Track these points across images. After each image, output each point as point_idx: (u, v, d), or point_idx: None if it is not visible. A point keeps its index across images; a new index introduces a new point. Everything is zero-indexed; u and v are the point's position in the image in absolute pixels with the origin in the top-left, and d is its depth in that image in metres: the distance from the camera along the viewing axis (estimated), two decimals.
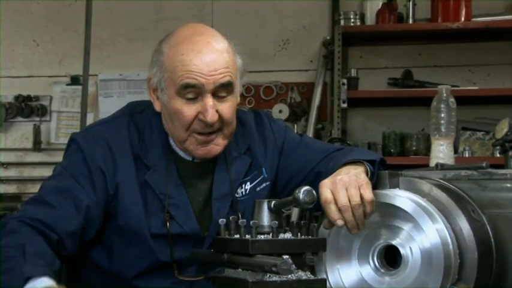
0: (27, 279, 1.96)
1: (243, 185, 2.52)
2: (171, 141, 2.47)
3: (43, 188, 2.36)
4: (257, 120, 2.62)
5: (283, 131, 2.66)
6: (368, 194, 2.18)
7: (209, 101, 2.33)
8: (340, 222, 2.16)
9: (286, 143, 2.63)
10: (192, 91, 2.33)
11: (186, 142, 2.40)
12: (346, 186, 2.18)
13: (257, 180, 2.54)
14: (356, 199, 2.16)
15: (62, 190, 2.32)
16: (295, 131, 3.09)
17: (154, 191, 2.41)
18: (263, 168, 2.55)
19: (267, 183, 2.56)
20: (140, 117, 2.49)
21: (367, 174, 2.30)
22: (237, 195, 2.49)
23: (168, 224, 2.39)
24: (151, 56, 2.46)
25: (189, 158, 2.47)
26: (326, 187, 2.20)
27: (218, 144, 2.41)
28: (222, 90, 2.35)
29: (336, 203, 2.16)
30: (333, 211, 2.16)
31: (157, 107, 2.45)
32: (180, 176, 2.45)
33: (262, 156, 2.57)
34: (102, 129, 2.45)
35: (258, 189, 2.52)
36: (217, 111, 2.34)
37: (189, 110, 2.35)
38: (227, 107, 2.38)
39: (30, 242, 2.11)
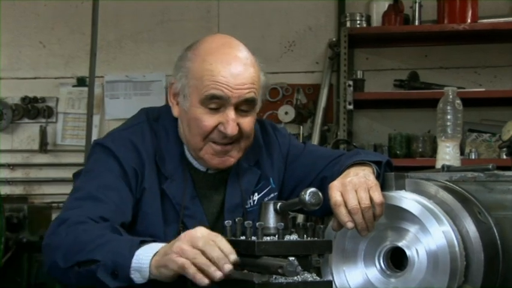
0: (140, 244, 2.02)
1: (251, 196, 2.54)
2: (186, 151, 2.48)
3: (84, 188, 2.33)
4: (262, 130, 2.63)
5: (288, 140, 2.67)
6: (378, 196, 2.17)
7: (231, 113, 2.34)
8: (350, 225, 2.16)
9: (291, 151, 2.64)
10: (216, 102, 2.34)
11: (201, 150, 2.40)
12: (355, 188, 2.18)
13: (265, 191, 2.56)
14: (366, 201, 2.15)
15: (109, 187, 2.32)
16: (301, 133, 3.10)
17: (171, 200, 2.42)
18: (270, 179, 2.56)
19: (275, 193, 2.58)
20: (157, 125, 2.49)
21: (374, 174, 2.30)
22: (246, 206, 2.51)
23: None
24: (176, 61, 2.46)
25: (203, 169, 2.48)
26: (336, 189, 2.20)
27: (233, 156, 2.43)
28: (244, 105, 2.37)
29: (345, 205, 2.16)
30: (343, 213, 2.16)
31: (175, 112, 2.46)
32: (195, 187, 2.46)
33: (269, 167, 2.59)
34: (128, 134, 2.44)
35: (266, 199, 2.52)
36: (237, 124, 2.35)
37: (209, 120, 2.35)
38: (247, 122, 2.39)
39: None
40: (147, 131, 2.46)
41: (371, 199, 2.16)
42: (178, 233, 2.37)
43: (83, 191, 2.31)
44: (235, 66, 2.34)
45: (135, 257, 2.01)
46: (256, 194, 2.54)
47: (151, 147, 2.43)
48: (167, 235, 2.37)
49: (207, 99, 2.33)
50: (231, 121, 2.34)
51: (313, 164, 2.59)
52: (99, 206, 2.25)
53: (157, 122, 2.50)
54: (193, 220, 2.41)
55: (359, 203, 2.15)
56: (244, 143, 2.43)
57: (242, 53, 2.38)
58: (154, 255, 2.01)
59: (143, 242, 2.05)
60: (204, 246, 1.94)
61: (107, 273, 2.03)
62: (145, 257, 2.01)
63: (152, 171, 2.41)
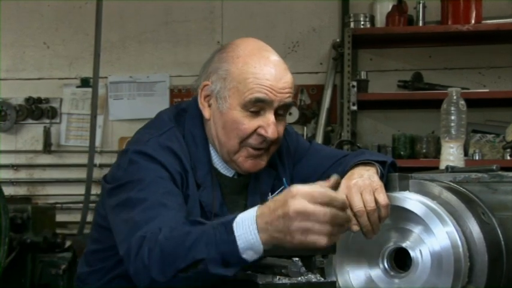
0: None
1: (266, 196, 2.52)
2: (213, 156, 2.45)
3: (147, 198, 2.17)
4: None
5: (295, 138, 2.67)
6: (383, 198, 2.16)
7: (272, 117, 2.34)
8: (355, 228, 2.15)
9: (298, 150, 2.65)
10: (259, 105, 2.33)
11: (236, 154, 2.39)
12: (361, 191, 2.18)
13: (278, 191, 2.54)
14: (371, 204, 2.15)
15: (171, 193, 2.23)
16: (305, 134, 3.09)
17: (204, 208, 2.38)
18: (284, 179, 2.54)
19: None
20: (183, 130, 2.44)
21: (377, 174, 2.30)
22: None
23: None
24: (205, 63, 2.44)
25: (228, 174, 2.47)
26: (341, 192, 2.19)
27: (264, 160, 2.43)
28: (283, 109, 2.37)
29: (351, 208, 2.14)
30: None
31: (207, 114, 2.43)
32: (222, 193, 2.45)
33: (281, 167, 2.59)
34: (165, 140, 2.36)
35: None
36: None
37: (249, 123, 2.34)
38: (282, 127, 2.41)
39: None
40: (180, 136, 2.41)
41: (376, 201, 2.16)
42: None
43: (148, 201, 2.17)
44: (278, 70, 2.34)
45: (237, 237, 1.87)
46: (270, 194, 2.53)
47: (187, 154, 2.39)
48: None
49: (251, 103, 2.32)
50: (272, 124, 2.33)
51: (319, 164, 2.59)
52: (173, 214, 2.13)
53: (182, 127, 2.45)
54: None
55: (364, 206, 2.15)
56: (273, 148, 2.43)
57: (278, 57, 2.40)
58: (257, 229, 1.86)
59: (231, 221, 1.90)
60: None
61: (218, 266, 1.89)
62: (249, 232, 1.87)
63: (191, 177, 2.37)
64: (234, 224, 1.89)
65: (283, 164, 2.59)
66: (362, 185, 2.19)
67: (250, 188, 2.50)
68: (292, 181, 2.60)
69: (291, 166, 2.62)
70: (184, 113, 2.49)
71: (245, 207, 2.43)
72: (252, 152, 2.38)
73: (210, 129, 2.44)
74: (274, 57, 2.38)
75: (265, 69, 2.32)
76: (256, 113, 2.34)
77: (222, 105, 2.37)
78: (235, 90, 2.34)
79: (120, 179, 2.30)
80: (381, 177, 2.30)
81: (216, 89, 2.38)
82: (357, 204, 2.15)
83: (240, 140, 2.36)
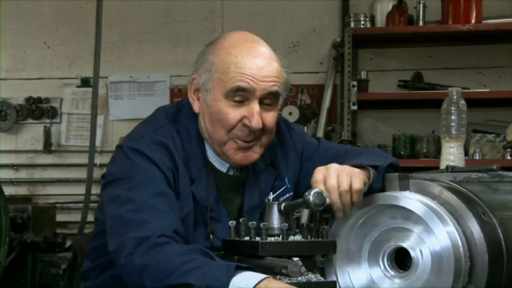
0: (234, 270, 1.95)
1: (265, 196, 2.51)
2: (208, 151, 2.46)
3: (135, 198, 2.23)
4: (276, 129, 2.58)
5: (302, 137, 2.66)
6: (357, 183, 2.21)
7: (256, 106, 2.34)
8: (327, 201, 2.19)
9: (305, 149, 2.63)
10: (241, 95, 2.33)
11: (225, 145, 2.39)
12: (338, 173, 2.22)
13: (280, 191, 2.54)
14: (345, 185, 2.20)
15: (162, 194, 2.26)
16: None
17: (199, 203, 2.39)
18: (286, 179, 2.55)
19: (290, 193, 2.56)
20: (177, 126, 2.46)
21: (369, 179, 2.30)
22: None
23: (211, 237, 2.37)
24: (197, 58, 2.46)
25: (224, 169, 2.47)
26: (319, 171, 2.25)
27: (256, 152, 2.42)
28: (268, 98, 2.36)
29: (324, 183, 2.20)
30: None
31: (196, 108, 2.44)
32: (217, 189, 2.44)
33: (284, 167, 2.58)
34: (159, 137, 2.38)
35: (281, 199, 2.50)
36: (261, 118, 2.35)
37: (234, 113, 2.34)
38: (270, 116, 2.39)
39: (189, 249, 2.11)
40: (174, 132, 2.43)
41: (351, 186, 2.20)
42: (208, 236, 2.35)
43: (137, 202, 2.22)
44: (260, 59, 2.34)
45: (232, 284, 1.92)
46: (271, 193, 2.52)
47: (181, 149, 2.40)
48: (194, 238, 2.34)
49: (232, 92, 2.32)
50: (256, 114, 2.33)
51: (329, 162, 2.57)
52: (166, 218, 2.19)
53: (178, 123, 2.46)
54: (218, 223, 2.40)
55: (339, 186, 2.19)
56: (266, 139, 2.41)
57: (266, 48, 2.40)
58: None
59: (238, 268, 1.97)
60: None
61: None
62: (248, 283, 1.91)
63: (184, 173, 2.38)
64: (239, 272, 1.94)
65: (287, 163, 2.58)
66: (339, 168, 2.24)
67: (248, 186, 2.49)
68: (299, 180, 2.59)
69: (297, 166, 2.61)
70: (183, 109, 2.50)
71: (241, 205, 2.44)
72: (241, 144, 2.38)
73: (200, 122, 2.45)
74: (260, 47, 2.38)
75: (247, 58, 2.33)
76: (241, 103, 2.34)
77: (208, 96, 2.39)
78: (218, 81, 2.36)
79: (112, 175, 2.36)
80: (374, 181, 2.30)
81: (202, 82, 2.40)
82: (331, 181, 2.20)
83: (227, 131, 2.36)
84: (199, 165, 2.42)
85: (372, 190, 2.30)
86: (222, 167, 2.47)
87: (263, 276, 1.92)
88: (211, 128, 2.40)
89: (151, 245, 2.10)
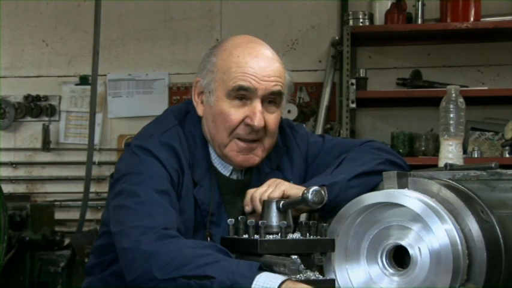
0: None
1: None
2: (212, 155, 2.47)
3: (141, 192, 2.25)
4: (281, 132, 2.60)
5: (306, 139, 2.66)
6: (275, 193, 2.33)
7: (258, 105, 2.35)
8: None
9: (310, 150, 2.64)
10: (243, 94, 2.34)
11: (226, 147, 2.40)
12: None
13: None
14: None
15: (165, 192, 2.28)
16: None
17: (200, 207, 2.40)
18: (291, 182, 2.54)
19: None
20: (184, 129, 2.47)
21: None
22: None
23: (209, 240, 2.38)
24: (201, 61, 2.46)
25: (227, 173, 2.48)
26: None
27: (257, 155, 2.43)
28: (271, 98, 2.37)
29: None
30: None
31: (200, 111, 2.46)
32: (220, 193, 2.45)
33: (289, 170, 2.58)
34: (167, 138, 2.40)
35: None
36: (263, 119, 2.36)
37: (236, 113, 2.36)
38: (273, 118, 2.40)
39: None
40: (182, 135, 2.44)
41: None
42: (206, 239, 2.36)
43: (142, 196, 2.24)
44: (262, 59, 2.36)
45: (256, 280, 1.94)
46: None
47: (187, 153, 2.41)
48: None
49: (234, 91, 2.34)
50: (258, 113, 2.34)
51: (332, 161, 2.58)
52: (168, 215, 2.21)
53: (184, 127, 2.47)
54: (218, 227, 2.40)
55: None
56: (268, 142, 2.43)
57: (268, 49, 2.41)
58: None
59: (259, 266, 1.99)
60: None
61: None
62: (272, 283, 1.93)
63: (188, 176, 2.39)
64: (263, 272, 1.96)
65: (292, 167, 2.59)
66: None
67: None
68: (306, 181, 2.58)
69: (302, 167, 2.62)
70: (186, 112, 2.51)
71: (243, 208, 2.43)
72: (241, 144, 2.39)
73: (203, 125, 2.46)
74: (262, 48, 2.40)
75: (248, 58, 2.35)
76: (243, 103, 2.36)
77: (211, 98, 2.40)
78: (221, 81, 2.37)
79: (119, 171, 2.37)
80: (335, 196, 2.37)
81: (205, 83, 2.41)
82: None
83: (229, 132, 2.38)
84: (203, 169, 2.43)
85: (338, 202, 2.34)
86: (225, 170, 2.48)
87: (284, 277, 1.94)
88: (214, 129, 2.41)
89: (160, 235, 2.11)
